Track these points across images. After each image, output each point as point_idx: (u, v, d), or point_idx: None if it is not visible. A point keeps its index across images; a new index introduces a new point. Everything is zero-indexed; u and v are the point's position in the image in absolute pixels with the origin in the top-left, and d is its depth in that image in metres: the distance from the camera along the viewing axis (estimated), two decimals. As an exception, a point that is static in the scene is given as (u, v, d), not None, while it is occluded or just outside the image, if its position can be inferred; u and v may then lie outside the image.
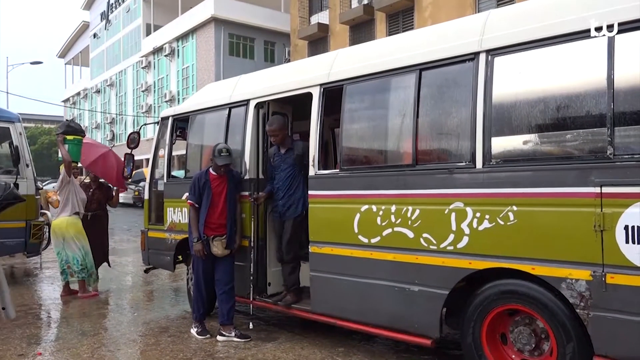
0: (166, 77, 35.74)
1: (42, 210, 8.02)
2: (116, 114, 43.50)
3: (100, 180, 7.26)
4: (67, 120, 7.96)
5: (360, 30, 21.70)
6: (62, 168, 6.50)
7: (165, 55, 34.77)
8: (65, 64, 55.34)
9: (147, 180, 6.32)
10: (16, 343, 4.55)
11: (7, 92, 29.93)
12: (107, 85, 44.91)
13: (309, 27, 24.21)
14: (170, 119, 5.93)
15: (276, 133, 4.63)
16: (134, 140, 6.39)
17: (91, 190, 7.08)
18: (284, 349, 4.33)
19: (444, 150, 3.65)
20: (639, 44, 2.80)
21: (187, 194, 4.85)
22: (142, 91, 37.98)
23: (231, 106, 5.14)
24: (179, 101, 34.01)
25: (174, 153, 6.10)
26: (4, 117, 7.15)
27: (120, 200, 25.99)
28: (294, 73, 4.82)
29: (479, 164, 3.30)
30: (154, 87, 36.98)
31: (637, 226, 2.70)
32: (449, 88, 3.63)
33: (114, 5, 43.19)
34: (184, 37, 33.25)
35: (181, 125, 5.93)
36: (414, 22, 18.94)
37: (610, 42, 2.86)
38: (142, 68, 38.10)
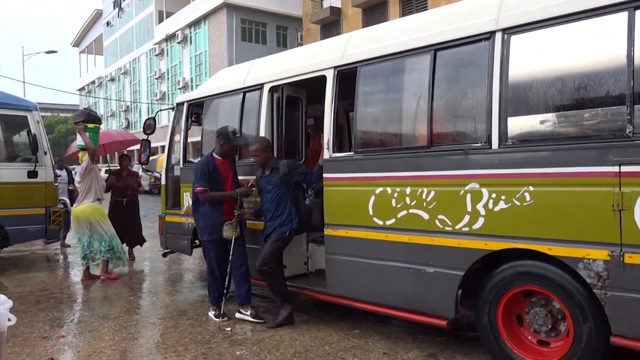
0: (179, 64, 35.85)
1: (61, 198, 8.16)
2: (131, 101, 43.84)
3: (129, 167, 7.64)
4: (85, 108, 8.13)
5: (374, 12, 21.48)
6: (83, 156, 6.58)
7: (178, 42, 34.84)
8: (80, 52, 55.77)
9: (164, 165, 6.43)
10: (40, 326, 4.67)
11: (24, 82, 30.29)
12: (121, 73, 45.21)
13: (321, 11, 24.03)
14: (185, 104, 5.99)
15: (257, 153, 4.55)
16: (150, 126, 6.51)
17: (123, 177, 7.61)
18: (300, 331, 4.38)
19: (459, 132, 3.63)
20: None
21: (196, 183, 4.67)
22: (156, 78, 38.19)
23: (245, 90, 5.16)
24: (192, 88, 34.12)
25: (189, 139, 6.16)
26: (22, 106, 7.25)
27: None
28: (308, 56, 4.78)
29: (494, 144, 3.28)
30: (168, 74, 37.14)
31: None
32: (464, 68, 3.59)
33: (126, -8, 43.32)
34: (196, 23, 33.26)
35: (196, 110, 6.00)
36: (427, 4, 18.69)
37: (631, 17, 2.78)
38: (156, 55, 38.26)
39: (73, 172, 9.74)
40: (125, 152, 7.57)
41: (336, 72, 4.27)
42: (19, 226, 6.93)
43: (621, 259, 2.80)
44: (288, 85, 4.89)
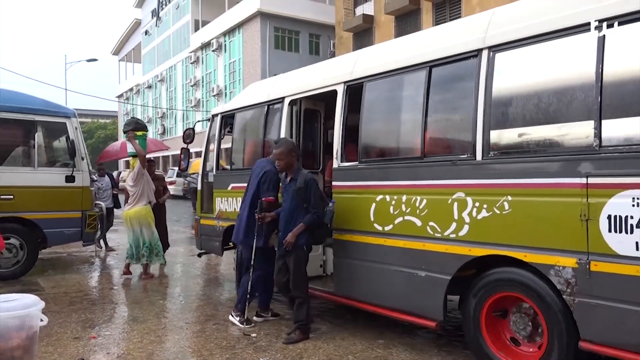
0: (214, 71, 36.50)
1: (97, 202, 8.41)
2: (167, 108, 44.85)
3: (156, 172, 7.84)
4: (132, 117, 8.63)
5: (406, 20, 21.41)
6: (134, 162, 7.18)
7: (213, 50, 35.49)
8: (119, 60, 57.45)
9: (200, 172, 6.87)
10: (72, 326, 4.81)
11: (66, 89, 31.42)
12: (158, 81, 46.31)
13: (354, 19, 24.09)
14: (219, 116, 6.46)
15: (281, 157, 4.43)
16: (189, 136, 6.91)
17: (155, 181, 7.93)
18: (324, 339, 4.38)
19: (449, 144, 3.89)
20: (629, 39, 2.85)
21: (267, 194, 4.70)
22: (191, 86, 38.96)
23: (269, 104, 5.55)
24: (226, 95, 34.67)
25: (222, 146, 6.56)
26: (61, 113, 7.52)
27: (171, 192, 26.82)
28: (323, 72, 5.10)
29: (478, 156, 3.48)
30: (202, 82, 37.85)
31: (619, 216, 2.79)
32: (455, 84, 3.82)
33: (164, 2, 44.41)
34: (230, 32, 33.83)
35: (229, 121, 6.41)
36: (461, 11, 18.50)
37: (601, 37, 2.92)
38: (191, 63, 39.06)
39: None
40: (151, 158, 7.84)
41: (345, 86, 4.55)
42: (56, 229, 7.18)
43: (587, 266, 2.94)
44: (306, 99, 5.24)
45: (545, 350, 3.20)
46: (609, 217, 2.84)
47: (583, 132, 3.01)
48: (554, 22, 3.15)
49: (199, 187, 6.91)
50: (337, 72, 4.74)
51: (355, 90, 4.49)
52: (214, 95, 35.37)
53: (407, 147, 4.20)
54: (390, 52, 4.39)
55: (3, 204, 6.79)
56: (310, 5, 31.23)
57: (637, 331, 2.79)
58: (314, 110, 5.29)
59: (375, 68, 4.34)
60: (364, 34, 24.06)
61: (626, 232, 2.78)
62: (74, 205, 7.29)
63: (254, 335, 4.49)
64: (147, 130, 7.40)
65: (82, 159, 7.46)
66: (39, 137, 7.38)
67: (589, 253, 2.94)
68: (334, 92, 4.66)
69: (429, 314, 3.83)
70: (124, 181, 7.82)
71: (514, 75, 3.43)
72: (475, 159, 3.49)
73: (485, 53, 3.50)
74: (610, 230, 2.84)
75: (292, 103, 5.27)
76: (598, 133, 2.90)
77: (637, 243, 2.74)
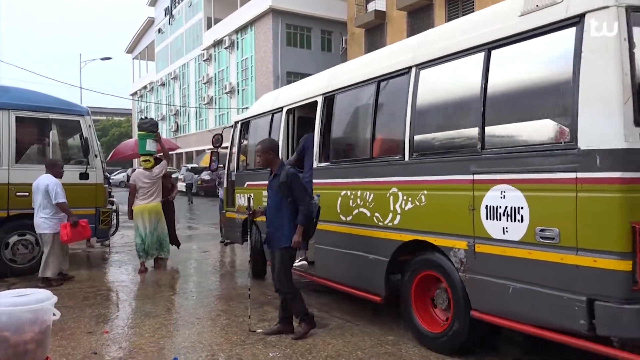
0: (226, 69, 36.64)
1: (111, 198, 8.52)
2: (180, 105, 45.15)
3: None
4: (151, 118, 9.00)
5: (418, 16, 21.28)
6: (151, 163, 7.56)
7: (225, 48, 35.61)
8: (133, 58, 57.96)
9: (225, 172, 7.79)
10: (86, 321, 4.89)
11: (81, 87, 31.76)
12: (172, 78, 46.64)
13: (366, 15, 24.00)
14: (239, 123, 7.48)
15: (259, 154, 4.53)
16: (218, 140, 7.90)
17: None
18: (333, 335, 4.41)
19: (389, 147, 4.54)
20: (508, 60, 3.48)
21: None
22: (204, 83, 39.16)
23: (273, 112, 6.41)
24: (238, 92, 34.80)
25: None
26: (75, 111, 7.63)
27: (184, 190, 26.80)
28: (310, 85, 5.93)
29: (406, 157, 4.17)
30: (215, 79, 38.02)
31: (492, 206, 3.43)
32: (395, 96, 4.44)
33: (176, 0, 44.65)
34: (242, 29, 33.91)
35: (245, 127, 7.35)
36: (474, 6, 18.31)
37: (486, 56, 3.54)
38: (204, 61, 39.25)
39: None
40: (158, 156, 7.97)
41: (323, 98, 5.34)
42: (70, 225, 7.27)
43: (474, 248, 3.56)
44: (299, 108, 6.02)
45: (451, 318, 3.84)
46: (487, 207, 3.48)
47: (472, 137, 3.63)
48: (451, 47, 3.86)
49: (225, 185, 7.85)
50: (318, 86, 5.56)
51: (329, 100, 5.25)
52: (226, 93, 35.53)
53: (362, 150, 4.87)
54: (357, 68, 5.13)
55: (19, 200, 6.91)
56: (322, 1, 31.14)
57: (509, 301, 3.34)
58: (306, 117, 5.99)
59: (342, 82, 5.12)
60: (376, 30, 23.99)
61: (497, 219, 3.41)
62: (87, 202, 7.39)
63: (259, 330, 4.53)
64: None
65: (96, 156, 7.57)
66: (53, 135, 7.50)
67: (475, 237, 3.56)
68: (316, 103, 5.42)
69: (375, 290, 4.52)
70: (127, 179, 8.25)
71: (429, 89, 4.08)
72: (404, 160, 4.18)
73: (413, 70, 4.18)
74: (487, 218, 3.48)
75: (289, 112, 6.11)
76: (481, 138, 3.52)
77: (503, 228, 3.37)
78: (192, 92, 42.93)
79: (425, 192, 3.96)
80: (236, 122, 7.60)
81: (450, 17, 18.91)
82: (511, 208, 3.30)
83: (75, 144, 7.79)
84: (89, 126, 7.58)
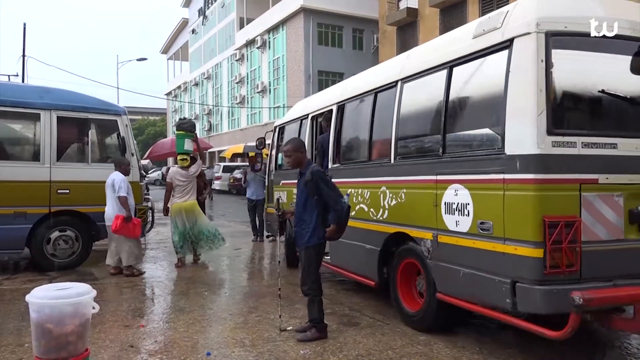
0: (258, 68, 36.96)
1: (147, 196, 8.73)
2: (213, 105, 45.80)
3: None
4: (189, 119, 9.33)
5: (451, 13, 20.97)
6: (188, 162, 7.79)
7: (257, 48, 35.93)
8: (168, 59, 59.10)
9: (267, 172, 8.68)
10: (123, 315, 5.04)
11: (117, 87, 32.61)
12: (205, 78, 47.35)
13: (398, 12, 23.79)
14: (277, 128, 8.45)
15: (289, 154, 4.50)
16: (261, 143, 8.94)
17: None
18: (364, 334, 4.41)
19: (382, 150, 5.07)
20: (463, 76, 4.01)
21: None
22: (236, 83, 39.61)
23: (302, 118, 7.29)
24: (270, 91, 35.06)
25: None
26: (112, 111, 7.84)
27: (217, 187, 27.23)
28: (329, 95, 6.64)
29: (392, 160, 4.80)
30: (247, 79, 38.41)
31: (448, 202, 4.01)
32: (387, 106, 4.97)
33: (210, 1, 45.29)
34: (274, 29, 34.13)
35: (282, 131, 8.26)
36: (508, 2, 17.92)
37: (448, 74, 4.09)
38: (236, 60, 39.69)
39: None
40: (193, 155, 8.16)
41: (337, 106, 6.00)
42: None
43: (437, 238, 4.13)
44: (320, 114, 6.63)
45: (425, 299, 4.42)
46: (445, 203, 4.03)
47: (437, 142, 4.20)
48: (425, 63, 4.48)
49: (267, 184, 8.77)
50: (334, 95, 6.30)
51: (341, 109, 5.94)
52: (258, 92, 35.84)
53: (362, 153, 5.54)
54: (363, 79, 5.81)
55: (60, 197, 7.16)
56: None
57: (461, 284, 3.88)
58: (327, 123, 6.45)
59: (350, 93, 5.81)
60: (407, 28, 23.76)
61: (452, 214, 3.96)
62: (124, 200, 7.57)
63: (290, 328, 4.56)
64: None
65: (132, 155, 7.76)
66: (92, 134, 7.74)
67: (438, 229, 4.12)
68: (331, 111, 6.09)
69: (370, 275, 5.16)
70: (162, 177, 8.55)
71: (409, 100, 4.68)
72: (390, 162, 4.80)
73: (399, 83, 4.78)
74: (445, 213, 4.03)
75: (313, 118, 6.86)
76: (443, 144, 4.10)
77: (456, 221, 3.92)
78: (224, 91, 43.47)
79: (405, 190, 4.61)
80: (275, 127, 8.53)
81: (484, 13, 18.55)
82: (461, 204, 3.87)
83: (113, 142, 8.00)
84: (126, 125, 7.77)
